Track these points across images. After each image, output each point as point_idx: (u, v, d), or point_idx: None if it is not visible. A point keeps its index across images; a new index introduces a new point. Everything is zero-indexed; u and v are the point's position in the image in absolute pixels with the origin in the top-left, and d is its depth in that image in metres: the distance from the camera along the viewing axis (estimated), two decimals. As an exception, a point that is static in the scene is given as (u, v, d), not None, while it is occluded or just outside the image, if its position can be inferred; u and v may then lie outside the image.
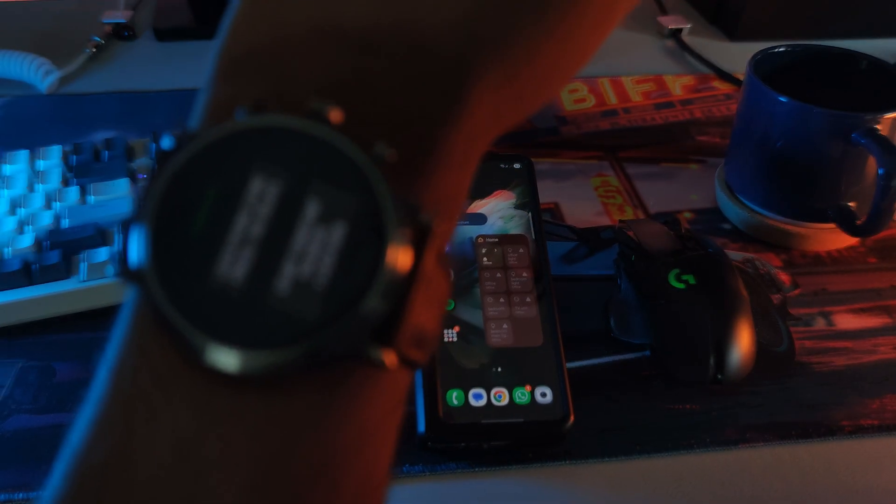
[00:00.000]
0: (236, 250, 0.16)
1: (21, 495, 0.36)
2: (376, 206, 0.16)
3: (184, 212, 0.16)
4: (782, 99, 0.47)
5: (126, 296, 0.18)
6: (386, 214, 0.16)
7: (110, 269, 0.17)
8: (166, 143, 0.17)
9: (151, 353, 0.16)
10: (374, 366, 0.16)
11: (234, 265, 0.16)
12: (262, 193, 0.16)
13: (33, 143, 0.54)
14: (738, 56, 0.71)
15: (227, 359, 0.16)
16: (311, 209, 0.16)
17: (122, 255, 0.17)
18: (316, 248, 0.16)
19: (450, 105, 0.18)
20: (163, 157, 0.17)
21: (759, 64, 0.51)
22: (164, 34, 0.75)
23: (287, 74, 0.18)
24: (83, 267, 0.44)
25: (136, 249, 0.16)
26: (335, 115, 0.17)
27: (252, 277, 0.16)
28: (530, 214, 0.45)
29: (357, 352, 0.16)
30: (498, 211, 0.45)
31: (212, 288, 0.16)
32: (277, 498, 0.16)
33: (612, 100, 0.66)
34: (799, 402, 0.41)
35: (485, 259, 0.43)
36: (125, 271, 0.16)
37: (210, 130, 0.17)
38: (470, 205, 0.45)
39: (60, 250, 0.44)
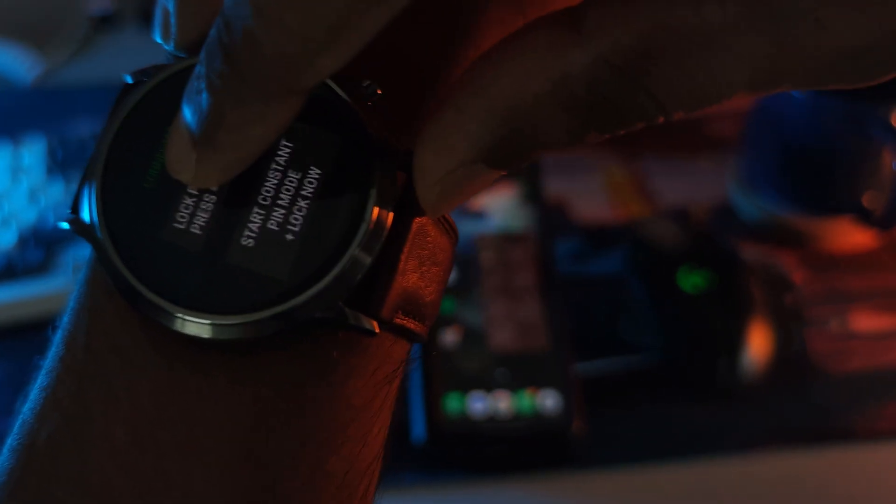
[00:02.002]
0: (195, 200, 0.14)
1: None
2: (358, 149, 0.14)
3: (137, 157, 0.14)
4: (795, 91, 0.47)
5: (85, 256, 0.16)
6: (369, 159, 0.14)
7: (62, 224, 0.15)
8: (127, 79, 0.15)
9: (106, 317, 0.15)
10: (358, 332, 0.14)
11: (192, 217, 0.14)
12: None
13: (17, 137, 0.54)
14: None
15: (190, 327, 0.14)
16: (283, 150, 0.14)
17: (74, 206, 0.15)
18: (287, 195, 0.14)
19: (453, 38, 0.16)
20: (120, 95, 0.15)
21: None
22: (153, 19, 0.73)
23: None
24: (69, 266, 0.43)
25: (87, 202, 0.14)
26: None
27: (213, 231, 0.14)
28: (535, 210, 0.44)
29: (337, 316, 0.14)
30: (500, 207, 0.44)
31: (168, 244, 0.14)
32: (249, 486, 0.14)
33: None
34: (813, 406, 0.41)
35: (486, 257, 0.42)
36: (77, 226, 0.15)
37: (169, 65, 0.15)
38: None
39: (44, 248, 0.43)
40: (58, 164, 0.50)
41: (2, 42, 0.66)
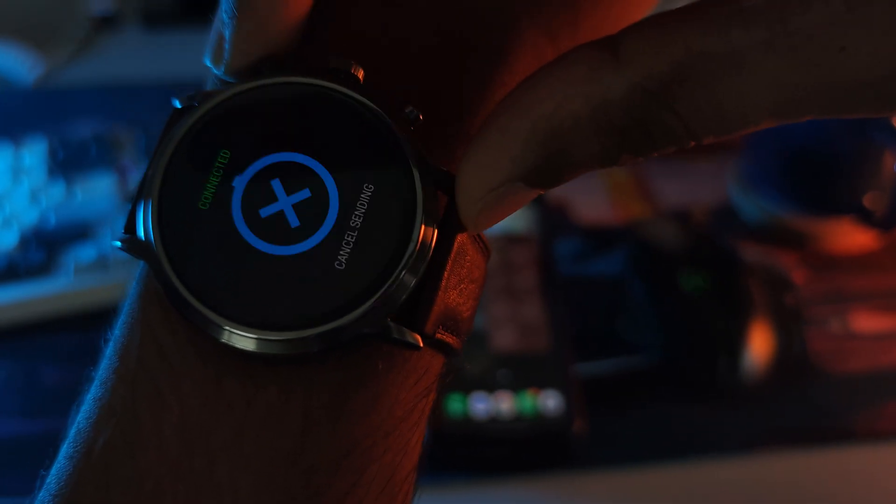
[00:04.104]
0: (249, 220, 0.15)
1: (8, 501, 0.36)
2: (403, 172, 0.15)
3: (193, 178, 0.15)
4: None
5: (136, 270, 0.17)
6: (414, 182, 0.15)
7: (116, 243, 0.16)
8: (176, 104, 0.16)
9: (158, 329, 0.15)
10: (402, 346, 0.15)
11: (246, 237, 0.15)
12: (277, 158, 0.15)
13: (18, 137, 0.54)
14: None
15: (238, 341, 0.15)
16: (331, 175, 0.15)
17: (128, 226, 0.15)
18: None
19: (489, 66, 0.17)
20: (171, 119, 0.16)
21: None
22: (154, 20, 0.73)
23: (307, 32, 0.16)
24: (70, 266, 0.43)
25: (142, 221, 0.15)
26: (357, 74, 0.16)
27: (265, 251, 0.15)
28: (536, 212, 0.44)
29: (383, 332, 0.15)
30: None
31: (223, 263, 0.15)
32: (295, 491, 0.15)
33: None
34: (813, 406, 0.41)
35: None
36: (131, 245, 0.15)
37: (220, 90, 0.16)
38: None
39: (46, 249, 0.44)
40: (59, 165, 0.50)
41: (3, 43, 0.66)
